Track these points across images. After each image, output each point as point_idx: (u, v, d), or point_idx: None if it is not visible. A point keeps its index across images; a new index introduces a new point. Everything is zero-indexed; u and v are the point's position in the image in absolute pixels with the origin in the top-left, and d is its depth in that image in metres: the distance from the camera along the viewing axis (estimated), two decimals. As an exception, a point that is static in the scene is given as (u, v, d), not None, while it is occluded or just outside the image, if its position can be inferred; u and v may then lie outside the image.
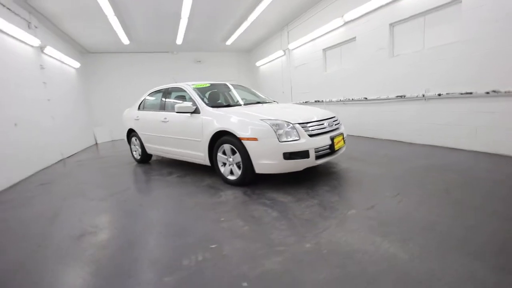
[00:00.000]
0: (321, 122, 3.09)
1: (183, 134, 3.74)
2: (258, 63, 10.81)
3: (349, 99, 5.99)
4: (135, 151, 5.14)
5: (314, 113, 3.23)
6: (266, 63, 10.22)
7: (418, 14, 4.34)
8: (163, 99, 4.36)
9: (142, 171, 4.43)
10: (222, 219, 2.32)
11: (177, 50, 10.50)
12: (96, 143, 9.48)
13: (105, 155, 6.66)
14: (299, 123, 2.88)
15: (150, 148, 4.62)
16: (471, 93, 3.69)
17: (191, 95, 3.78)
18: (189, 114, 3.65)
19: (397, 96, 4.82)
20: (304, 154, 2.79)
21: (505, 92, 3.32)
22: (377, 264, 1.51)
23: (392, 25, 4.81)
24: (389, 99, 4.98)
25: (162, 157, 5.28)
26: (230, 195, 2.88)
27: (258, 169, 2.90)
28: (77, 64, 8.18)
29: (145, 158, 4.94)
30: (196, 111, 3.56)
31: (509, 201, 2.21)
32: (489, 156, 3.49)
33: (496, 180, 2.69)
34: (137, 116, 4.79)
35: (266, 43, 9.98)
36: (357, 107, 5.88)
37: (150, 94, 4.83)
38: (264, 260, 1.64)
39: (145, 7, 6.03)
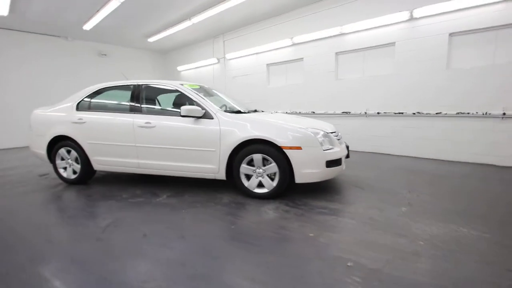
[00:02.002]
0: (335, 132, 3.36)
1: (185, 143, 3.05)
2: (180, 68, 10.02)
3: (296, 112, 6.63)
4: (66, 167, 3.64)
5: (324, 123, 3.45)
6: (192, 68, 9.65)
7: (359, 48, 5.49)
8: (135, 98, 3.37)
9: (97, 196, 3.20)
10: (311, 234, 2.12)
11: (73, 36, 8.18)
12: None
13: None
14: (330, 132, 3.03)
15: (102, 161, 3.43)
16: (402, 113, 5.02)
17: (192, 97, 3.16)
18: (192, 119, 3.04)
19: (343, 112, 5.82)
20: (339, 162, 2.95)
21: (426, 113, 4.76)
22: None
23: (337, 53, 5.82)
24: (336, 114, 5.93)
25: (105, 173, 4.00)
26: (274, 210, 2.63)
27: (300, 179, 2.80)
28: None
29: (85, 176, 3.60)
30: (206, 116, 3.02)
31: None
32: (413, 159, 4.85)
33: (431, 171, 3.81)
34: (80, 119, 3.45)
35: (192, 48, 9.46)
36: (302, 120, 6.61)
37: (100, 91, 3.61)
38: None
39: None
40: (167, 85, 3.36)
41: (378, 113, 5.33)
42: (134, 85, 3.45)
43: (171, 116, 3.18)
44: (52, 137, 3.57)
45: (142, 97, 3.37)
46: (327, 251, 1.88)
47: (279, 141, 2.76)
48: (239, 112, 3.34)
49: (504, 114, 4.07)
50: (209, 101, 3.14)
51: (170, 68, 10.56)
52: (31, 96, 7.66)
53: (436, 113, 4.65)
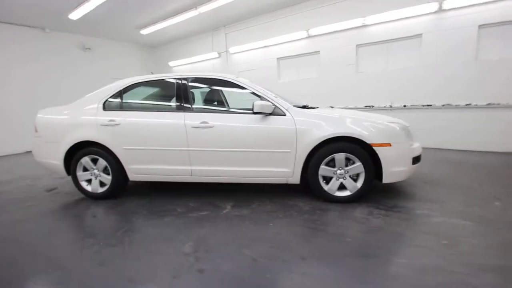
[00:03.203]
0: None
1: (253, 145, 2.64)
2: (172, 63, 9.29)
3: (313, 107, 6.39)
4: (90, 179, 3.02)
5: (392, 118, 3.18)
6: (187, 64, 8.97)
7: (383, 41, 5.39)
8: (182, 94, 2.86)
9: (144, 213, 2.67)
10: (445, 242, 1.87)
11: (52, 27, 7.11)
12: None
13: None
14: (408, 126, 2.82)
15: (142, 170, 2.88)
16: (430, 105, 5.02)
17: (257, 92, 2.75)
18: (259, 117, 2.64)
19: (366, 106, 5.71)
20: (419, 158, 2.75)
21: (455, 105, 4.80)
22: None
23: (358, 46, 5.68)
24: (358, 108, 5.80)
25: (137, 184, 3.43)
26: (373, 216, 2.35)
27: (388, 178, 2.54)
28: None
29: (117, 189, 3.02)
30: (276, 112, 2.64)
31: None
32: (444, 151, 4.88)
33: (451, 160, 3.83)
34: (112, 120, 2.86)
35: (187, 41, 8.80)
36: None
37: (132, 87, 3.03)
38: None
39: None
40: (219, 77, 2.91)
41: (405, 106, 5.28)
42: (178, 79, 2.93)
43: (232, 114, 2.75)
44: (73, 143, 2.92)
45: (190, 93, 2.87)
46: (486, 260, 1.64)
47: (368, 137, 2.47)
48: (304, 107, 2.99)
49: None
50: (276, 96, 2.76)
51: (161, 63, 9.74)
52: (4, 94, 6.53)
53: (466, 105, 4.71)
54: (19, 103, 6.81)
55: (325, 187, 2.63)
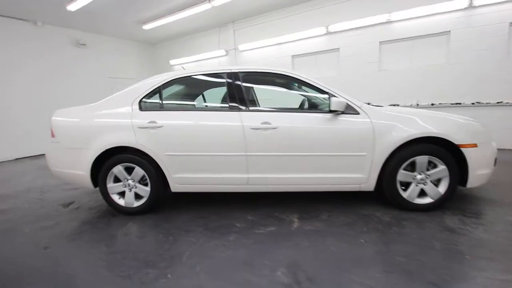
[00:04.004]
0: None
1: (323, 148, 2.32)
2: (174, 61, 8.77)
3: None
4: (124, 191, 2.57)
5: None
6: (191, 62, 8.49)
7: (408, 37, 5.23)
8: (235, 91, 2.49)
9: (200, 229, 2.27)
10: None
11: (44, 21, 6.43)
12: None
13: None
14: (481, 125, 2.61)
15: (188, 180, 2.48)
16: (460, 103, 4.91)
17: (323, 88, 2.44)
18: (328, 116, 2.33)
19: (390, 104, 5.53)
20: (496, 159, 2.54)
21: (485, 103, 4.71)
22: None
23: (381, 43, 5.50)
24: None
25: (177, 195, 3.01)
26: (470, 226, 2.09)
27: (473, 182, 2.30)
28: None
29: (156, 201, 2.59)
30: (348, 111, 2.34)
31: None
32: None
33: None
34: (153, 122, 2.43)
35: (190, 38, 8.33)
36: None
37: (171, 83, 2.61)
38: None
39: None
40: (278, 72, 2.55)
41: (433, 104, 5.15)
42: (228, 74, 2.55)
43: (297, 113, 2.42)
44: (104, 149, 2.46)
45: (244, 90, 2.50)
46: None
47: (456, 138, 2.22)
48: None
49: None
50: (343, 94, 2.45)
51: (161, 61, 9.19)
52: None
53: (497, 103, 4.63)
54: (7, 103, 6.08)
55: (404, 194, 2.35)
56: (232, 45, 7.48)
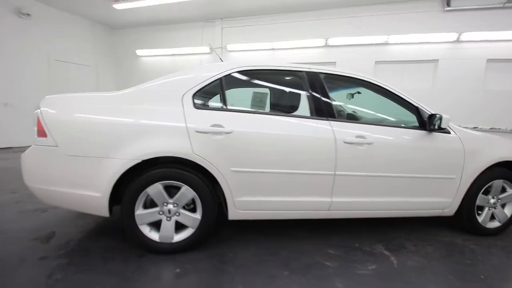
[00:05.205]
0: None
1: (414, 169, 2.06)
2: (141, 52, 7.59)
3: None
4: (160, 220, 1.82)
5: None
6: (162, 55, 7.46)
7: (401, 61, 5.60)
8: (321, 95, 2.04)
9: (286, 273, 1.72)
10: None
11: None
12: None
13: None
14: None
15: (257, 205, 1.90)
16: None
17: (409, 100, 2.21)
18: (420, 134, 2.11)
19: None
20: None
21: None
22: None
23: (377, 62, 5.74)
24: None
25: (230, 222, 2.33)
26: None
27: (534, 205, 2.38)
28: None
29: (207, 233, 1.91)
30: (435, 127, 2.14)
31: None
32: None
33: None
34: (217, 125, 1.78)
35: (166, 28, 7.40)
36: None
37: (238, 76, 2.01)
38: None
39: None
40: (364, 78, 2.25)
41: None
42: (308, 73, 2.09)
43: (392, 127, 2.12)
44: (141, 160, 1.69)
45: (331, 96, 2.08)
46: None
47: (528, 163, 2.26)
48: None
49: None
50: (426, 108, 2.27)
51: (123, 50, 7.84)
52: None
53: (474, 127, 5.27)
54: None
55: (479, 219, 2.27)
56: (218, 43, 6.85)
